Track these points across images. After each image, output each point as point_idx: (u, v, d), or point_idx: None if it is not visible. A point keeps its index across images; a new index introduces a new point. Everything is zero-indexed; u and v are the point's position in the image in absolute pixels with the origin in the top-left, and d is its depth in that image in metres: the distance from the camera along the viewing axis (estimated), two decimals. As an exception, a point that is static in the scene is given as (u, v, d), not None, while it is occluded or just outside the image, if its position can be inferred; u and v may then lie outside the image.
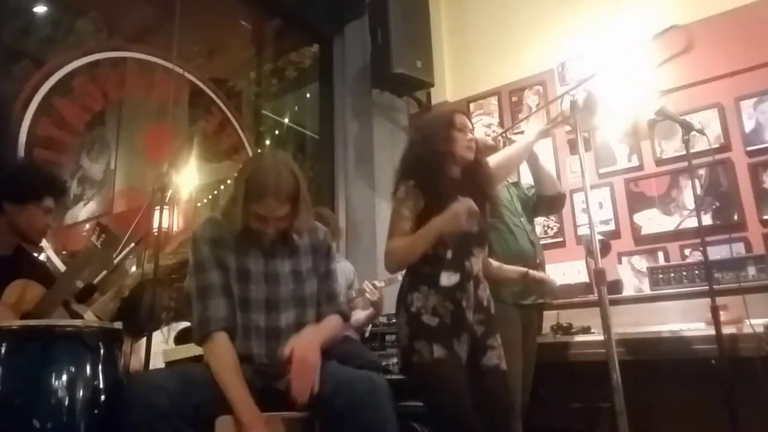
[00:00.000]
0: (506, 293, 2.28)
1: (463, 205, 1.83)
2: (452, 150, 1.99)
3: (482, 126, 2.49)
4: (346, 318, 1.94)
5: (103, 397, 1.51)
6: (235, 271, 1.76)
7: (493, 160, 2.24)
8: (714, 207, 3.01)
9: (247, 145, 3.99)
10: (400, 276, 3.19)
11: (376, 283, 3.02)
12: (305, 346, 1.66)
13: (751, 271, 2.62)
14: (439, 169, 1.97)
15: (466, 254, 1.97)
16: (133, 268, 2.77)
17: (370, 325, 3.24)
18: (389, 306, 3.45)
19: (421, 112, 4.08)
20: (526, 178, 2.75)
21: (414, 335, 1.88)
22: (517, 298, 2.35)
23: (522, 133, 2.51)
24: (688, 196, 3.07)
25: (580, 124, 2.16)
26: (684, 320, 2.54)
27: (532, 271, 2.21)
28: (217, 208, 2.72)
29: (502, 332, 2.03)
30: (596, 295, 2.07)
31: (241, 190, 1.72)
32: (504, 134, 2.56)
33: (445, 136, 2.00)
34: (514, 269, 2.22)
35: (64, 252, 2.92)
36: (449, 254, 1.94)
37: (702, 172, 3.04)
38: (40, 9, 3.29)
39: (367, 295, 2.96)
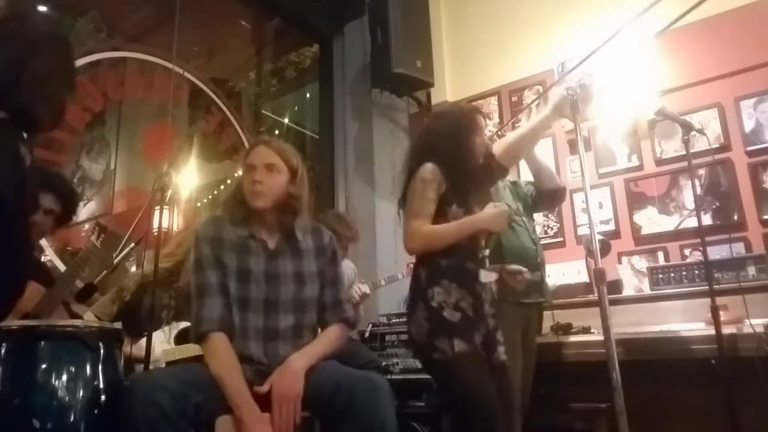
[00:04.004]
0: (507, 292, 2.28)
1: (504, 208, 1.85)
2: (471, 153, 2.01)
3: None
4: (349, 324, 1.93)
5: (103, 397, 1.51)
6: (235, 270, 1.76)
7: (512, 136, 2.24)
8: (714, 207, 3.01)
9: (246, 144, 3.99)
10: (400, 275, 3.23)
11: (363, 287, 3.03)
12: (285, 380, 1.65)
13: (751, 271, 2.61)
14: (465, 162, 1.98)
15: (479, 248, 1.98)
16: (133, 268, 2.77)
17: (370, 325, 3.25)
18: (388, 305, 3.47)
19: (421, 112, 4.08)
20: (524, 177, 2.76)
21: (434, 332, 1.86)
22: (518, 296, 2.35)
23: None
24: (688, 196, 3.06)
25: (577, 117, 2.15)
26: (684, 320, 2.54)
27: (507, 266, 2.16)
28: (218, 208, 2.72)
29: (503, 331, 2.03)
30: (596, 295, 2.07)
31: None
32: (498, 132, 2.57)
33: (466, 139, 2.00)
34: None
35: (67, 248, 2.92)
36: (487, 252, 1.95)
37: (702, 172, 3.04)
38: (40, 9, 3.29)
39: (356, 298, 2.96)
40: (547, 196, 2.59)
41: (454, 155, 1.97)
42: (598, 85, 2.23)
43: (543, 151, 2.92)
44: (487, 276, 1.93)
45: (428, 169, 1.96)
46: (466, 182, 1.94)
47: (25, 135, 1.32)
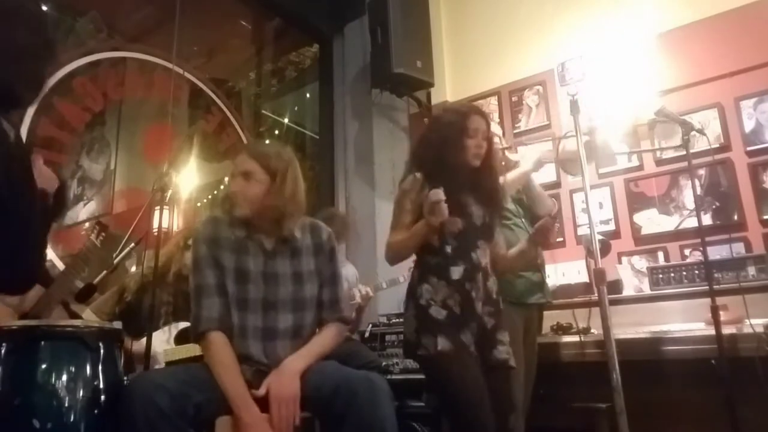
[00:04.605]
0: (508, 292, 2.28)
1: (429, 200, 1.83)
2: (461, 158, 2.00)
3: None
4: (347, 323, 1.95)
5: (103, 397, 1.51)
6: (233, 270, 1.76)
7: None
8: (714, 207, 3.01)
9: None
10: (401, 278, 3.24)
11: (365, 288, 3.03)
12: (282, 382, 1.65)
13: (751, 271, 2.62)
14: (449, 168, 1.98)
15: (471, 246, 1.97)
16: (133, 268, 2.77)
17: (370, 325, 3.25)
18: (388, 305, 3.47)
19: (421, 112, 4.08)
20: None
21: (420, 328, 1.89)
22: (519, 297, 2.36)
23: (522, 134, 2.52)
24: (688, 196, 3.06)
25: (577, 118, 2.16)
26: (684, 320, 2.54)
27: (536, 227, 2.09)
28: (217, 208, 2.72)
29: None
30: (596, 295, 2.07)
31: None
32: (505, 150, 2.60)
33: (456, 143, 2.00)
34: (519, 245, 2.18)
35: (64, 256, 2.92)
36: (449, 249, 1.95)
37: (702, 172, 3.04)
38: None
39: (357, 300, 2.96)
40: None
41: (438, 161, 1.98)
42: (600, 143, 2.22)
43: (543, 149, 2.93)
44: (456, 272, 1.93)
45: (408, 180, 2.00)
46: (454, 184, 1.93)
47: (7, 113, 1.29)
